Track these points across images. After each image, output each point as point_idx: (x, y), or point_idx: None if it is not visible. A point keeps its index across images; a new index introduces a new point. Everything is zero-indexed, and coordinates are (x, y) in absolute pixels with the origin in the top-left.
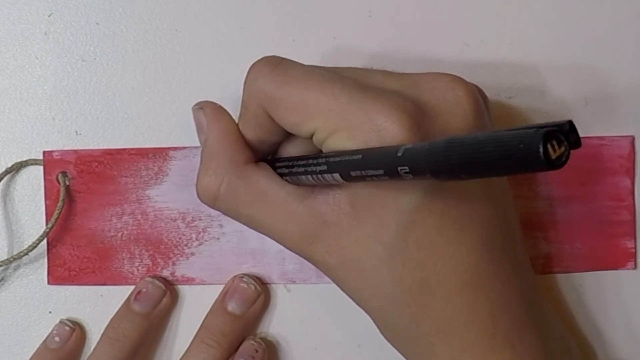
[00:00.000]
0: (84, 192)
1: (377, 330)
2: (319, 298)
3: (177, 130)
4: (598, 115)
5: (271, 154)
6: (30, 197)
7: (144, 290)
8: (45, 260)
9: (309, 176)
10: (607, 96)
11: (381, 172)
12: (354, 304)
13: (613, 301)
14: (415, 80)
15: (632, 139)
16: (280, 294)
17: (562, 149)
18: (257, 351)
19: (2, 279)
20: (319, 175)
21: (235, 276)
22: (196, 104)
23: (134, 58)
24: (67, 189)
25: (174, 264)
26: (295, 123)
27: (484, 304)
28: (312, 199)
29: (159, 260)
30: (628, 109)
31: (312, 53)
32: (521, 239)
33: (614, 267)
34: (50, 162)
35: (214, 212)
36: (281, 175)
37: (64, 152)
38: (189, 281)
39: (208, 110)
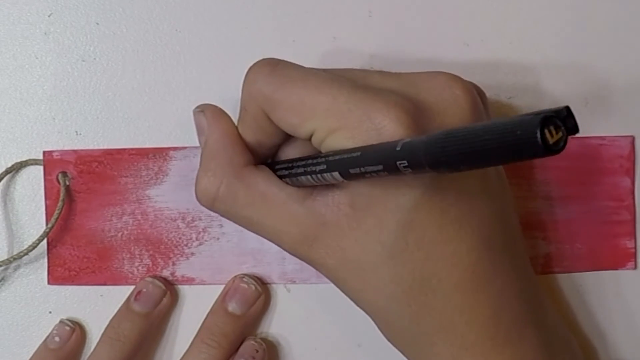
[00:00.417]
0: (84, 192)
1: (377, 330)
2: (319, 298)
3: (177, 130)
4: (598, 115)
5: (271, 157)
6: (30, 197)
7: (144, 290)
8: (45, 260)
9: (309, 176)
10: (607, 96)
11: (380, 167)
12: (354, 304)
13: (613, 301)
14: (412, 79)
15: (632, 139)
16: (281, 294)
17: (560, 134)
18: (257, 351)
19: (2, 279)
20: (319, 175)
21: (235, 276)
22: (197, 107)
23: (134, 58)
24: (67, 189)
25: (174, 264)
26: (294, 124)
27: (484, 302)
28: (312, 201)
29: (159, 260)
30: (628, 109)
31: (312, 53)
32: (521, 237)
33: (614, 267)
34: (50, 162)
35: (214, 213)
36: (281, 177)
37: (64, 152)
38: (189, 281)
39: (208, 113)
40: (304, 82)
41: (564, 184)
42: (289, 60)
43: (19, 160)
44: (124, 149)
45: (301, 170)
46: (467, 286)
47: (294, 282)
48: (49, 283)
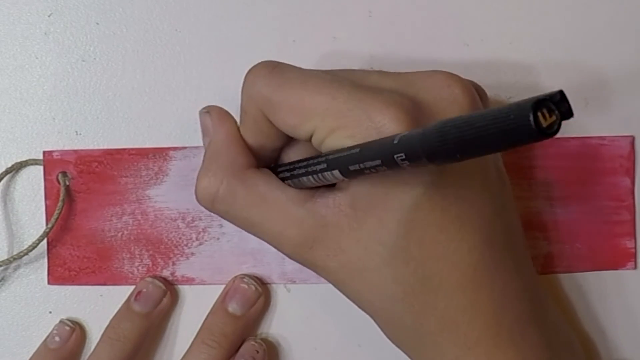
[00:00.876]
0: (84, 192)
1: (377, 330)
2: (319, 298)
3: (177, 130)
4: (598, 115)
5: (274, 161)
6: (30, 197)
7: (144, 290)
8: (46, 260)
9: (310, 177)
10: (607, 96)
11: (379, 162)
12: (356, 306)
13: (614, 301)
14: (411, 79)
15: (632, 139)
16: (281, 294)
17: (553, 117)
18: (257, 352)
19: (2, 279)
20: (319, 175)
21: (235, 277)
22: (203, 108)
23: (134, 58)
24: (67, 189)
25: (174, 264)
26: (294, 125)
27: (486, 301)
28: (312, 203)
29: (159, 260)
30: (628, 109)
31: (312, 53)
32: (522, 236)
33: (614, 267)
34: (50, 162)
35: (214, 214)
36: (283, 179)
37: (64, 152)
38: (189, 281)
39: (214, 114)
40: (303, 83)
41: (564, 184)
42: (289, 60)
43: (18, 160)
44: (124, 149)
45: (302, 170)
46: (469, 285)
47: (294, 282)
48: (49, 283)
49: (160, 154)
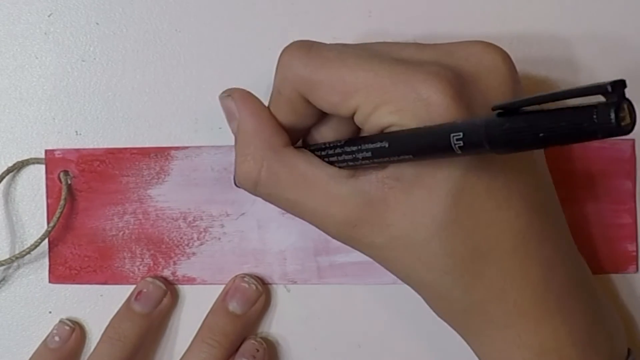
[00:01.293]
0: (85, 191)
1: (377, 330)
2: (319, 298)
3: (177, 130)
4: None
5: (298, 140)
6: (31, 196)
7: (145, 290)
8: (46, 259)
9: (349, 163)
10: None
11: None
12: (354, 304)
13: (615, 304)
14: (449, 49)
15: (633, 142)
16: (281, 294)
17: (630, 114)
18: (257, 351)
19: (3, 279)
20: (361, 161)
21: (236, 276)
22: (223, 92)
23: (134, 58)
24: (69, 187)
25: (175, 263)
26: (336, 103)
27: (535, 268)
28: (355, 179)
29: (160, 259)
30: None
31: None
32: (560, 208)
33: (616, 271)
34: (52, 160)
35: (215, 212)
36: (321, 158)
37: (65, 151)
38: (190, 281)
39: (237, 96)
40: (342, 60)
41: (565, 187)
42: None
43: (18, 160)
44: (126, 148)
45: (345, 157)
46: (518, 252)
47: (295, 283)
48: (50, 282)
49: (162, 153)
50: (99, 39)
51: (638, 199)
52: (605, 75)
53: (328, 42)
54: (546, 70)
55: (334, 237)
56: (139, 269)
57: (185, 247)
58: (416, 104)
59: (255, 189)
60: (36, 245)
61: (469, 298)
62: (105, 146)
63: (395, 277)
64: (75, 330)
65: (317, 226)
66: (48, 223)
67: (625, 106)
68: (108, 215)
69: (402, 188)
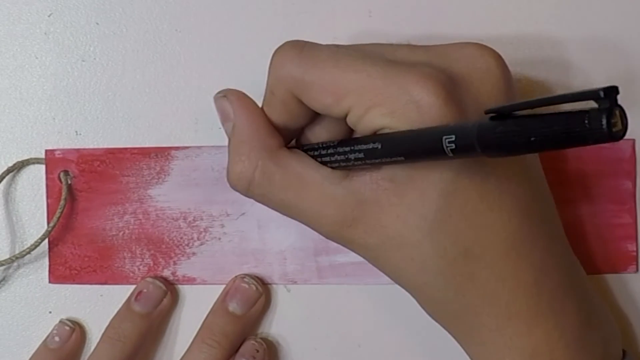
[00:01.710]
0: (85, 191)
1: (377, 330)
2: (319, 298)
3: (177, 130)
4: None
5: (291, 141)
6: (31, 196)
7: (145, 290)
8: (46, 259)
9: (341, 163)
10: None
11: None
12: (354, 304)
13: (615, 304)
14: (442, 51)
15: (633, 142)
16: (281, 294)
17: (621, 120)
18: (257, 351)
19: (3, 278)
20: (354, 162)
21: (236, 276)
22: (218, 92)
23: (134, 58)
24: (69, 187)
25: (175, 263)
26: (329, 104)
27: (527, 270)
28: (349, 180)
29: (160, 259)
30: (628, 112)
31: None
32: (555, 210)
33: (616, 271)
34: (52, 160)
35: (215, 212)
36: (316, 158)
37: (65, 151)
38: (190, 281)
39: (233, 97)
40: (335, 61)
41: (565, 187)
42: None
43: (18, 160)
44: (126, 148)
45: (338, 157)
46: (510, 254)
47: (295, 283)
48: (50, 282)
49: (162, 153)
50: (99, 39)
51: (638, 199)
52: (600, 78)
53: (328, 42)
54: (541, 73)
55: (327, 237)
56: (139, 269)
57: (186, 247)
58: (408, 105)
59: (248, 190)
60: (36, 245)
61: (461, 300)
62: (105, 146)
63: None
64: (75, 331)
65: (310, 227)
66: (48, 223)
67: (617, 112)
68: (108, 215)
69: (395, 190)
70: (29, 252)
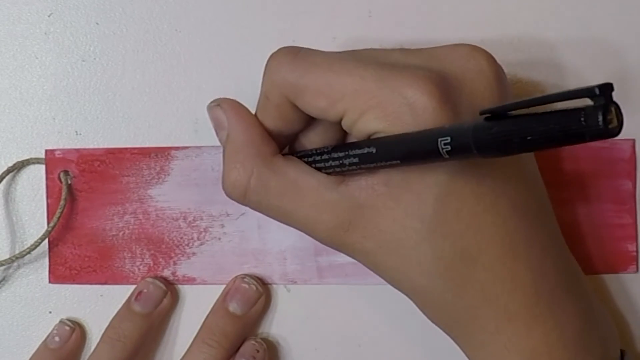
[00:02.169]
0: (85, 191)
1: (377, 330)
2: (319, 298)
3: (177, 130)
4: None
5: (285, 147)
6: (31, 196)
7: (145, 290)
8: (46, 259)
9: (336, 169)
10: None
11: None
12: (354, 304)
13: (615, 304)
14: (434, 53)
15: (633, 142)
16: (281, 294)
17: (617, 117)
18: (258, 351)
19: (3, 278)
20: (349, 167)
21: (236, 276)
22: (212, 102)
23: (134, 58)
24: (69, 187)
25: (175, 263)
26: (323, 108)
27: (525, 271)
28: (345, 186)
29: (160, 259)
30: (628, 112)
31: None
32: (552, 211)
33: (616, 271)
34: (52, 160)
35: (215, 212)
36: (311, 164)
37: (65, 151)
38: (190, 281)
39: (226, 106)
40: (329, 65)
41: (565, 187)
42: None
43: (18, 160)
44: (126, 148)
45: (331, 163)
46: (508, 255)
47: (295, 283)
48: (50, 282)
49: (162, 153)
50: (99, 39)
51: (638, 199)
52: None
53: (328, 42)
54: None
55: (324, 243)
56: (139, 269)
57: (186, 247)
58: (402, 108)
59: (244, 198)
60: (36, 245)
61: (459, 302)
62: (105, 146)
63: None
64: (75, 331)
65: (307, 233)
66: (48, 223)
67: (613, 109)
68: (108, 215)
69: (391, 194)
70: (29, 252)
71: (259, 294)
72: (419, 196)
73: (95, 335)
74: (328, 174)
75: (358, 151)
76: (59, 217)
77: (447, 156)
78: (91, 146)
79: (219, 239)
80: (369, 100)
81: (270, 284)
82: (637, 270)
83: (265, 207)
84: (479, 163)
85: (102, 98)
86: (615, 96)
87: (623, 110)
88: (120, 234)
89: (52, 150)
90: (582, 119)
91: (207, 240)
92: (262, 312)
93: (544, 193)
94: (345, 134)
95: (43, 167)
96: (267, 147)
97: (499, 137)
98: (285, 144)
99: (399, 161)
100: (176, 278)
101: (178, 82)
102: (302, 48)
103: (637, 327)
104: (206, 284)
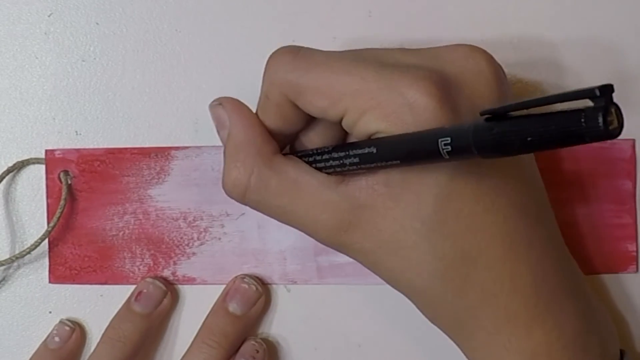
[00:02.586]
0: (85, 191)
1: (377, 330)
2: (319, 298)
3: (177, 130)
4: None
5: (285, 147)
6: (31, 196)
7: (145, 290)
8: (46, 259)
9: (336, 169)
10: None
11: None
12: (354, 304)
13: (614, 305)
14: (434, 53)
15: (633, 142)
16: (281, 294)
17: (617, 118)
18: (257, 351)
19: (3, 278)
20: (349, 167)
21: (236, 276)
22: (214, 101)
23: (134, 58)
24: (69, 187)
25: (175, 263)
26: (324, 107)
27: (524, 271)
28: (344, 185)
29: (160, 259)
30: (628, 112)
31: None
32: (551, 211)
33: (616, 271)
34: (52, 160)
35: (215, 212)
36: (311, 164)
37: (65, 151)
38: (190, 281)
39: (228, 105)
40: (329, 65)
41: (564, 187)
42: None
43: (18, 160)
44: (126, 148)
45: (332, 163)
46: (508, 256)
47: (295, 283)
48: (50, 282)
49: (162, 153)
50: (99, 39)
51: (638, 199)
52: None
53: (328, 42)
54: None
55: (324, 243)
56: (139, 269)
57: (186, 247)
58: (402, 108)
59: (244, 197)
60: (36, 245)
61: (459, 303)
62: (105, 146)
63: None
64: (75, 331)
65: (307, 232)
66: (48, 223)
67: (613, 110)
68: (108, 215)
69: (390, 194)
70: (29, 252)
71: (259, 294)
72: (418, 196)
73: (95, 335)
74: (328, 173)
75: (358, 151)
76: (59, 217)
77: (447, 156)
78: (91, 146)
79: (219, 239)
80: (369, 100)
81: (270, 284)
82: (637, 270)
83: (265, 206)
84: (479, 163)
85: (102, 98)
86: (615, 97)
87: (623, 111)
88: (120, 234)
89: (52, 150)
90: (583, 120)
91: (207, 240)
92: (262, 312)
93: (544, 193)
94: (345, 133)
95: (43, 167)
96: (268, 146)
97: (499, 138)
98: (286, 144)
99: (399, 161)
100: (176, 278)
101: (178, 82)
102: (302, 47)
103: (637, 327)
104: (206, 284)
